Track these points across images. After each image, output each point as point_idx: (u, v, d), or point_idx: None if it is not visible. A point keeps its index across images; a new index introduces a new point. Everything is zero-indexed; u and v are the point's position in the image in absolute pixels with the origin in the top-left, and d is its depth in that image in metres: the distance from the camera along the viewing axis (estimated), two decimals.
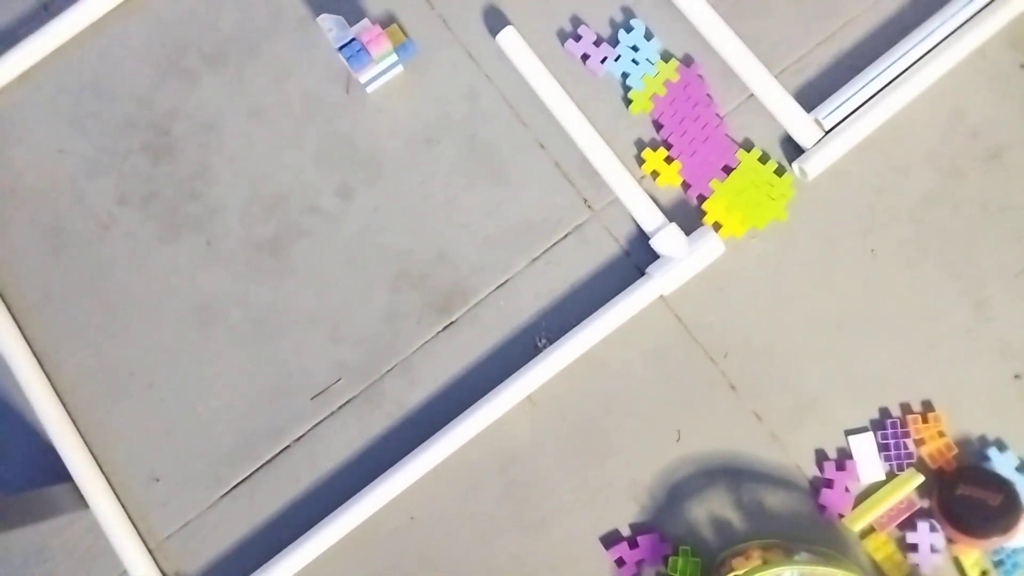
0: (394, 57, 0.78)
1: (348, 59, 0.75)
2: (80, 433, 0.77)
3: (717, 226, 0.75)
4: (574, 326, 0.74)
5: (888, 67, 0.75)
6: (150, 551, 0.75)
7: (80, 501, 0.75)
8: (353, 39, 0.76)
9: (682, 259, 0.73)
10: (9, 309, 0.79)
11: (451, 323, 0.77)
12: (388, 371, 0.77)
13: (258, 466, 0.76)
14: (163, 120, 0.83)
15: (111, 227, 0.82)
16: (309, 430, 0.76)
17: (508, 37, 0.79)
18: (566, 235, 0.77)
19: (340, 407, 0.76)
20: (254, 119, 0.82)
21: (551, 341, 0.75)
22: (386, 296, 0.78)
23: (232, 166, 0.81)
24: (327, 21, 0.78)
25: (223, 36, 0.84)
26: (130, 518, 0.75)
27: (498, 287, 0.77)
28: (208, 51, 0.84)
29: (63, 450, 0.76)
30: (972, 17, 0.76)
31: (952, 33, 0.76)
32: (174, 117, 0.83)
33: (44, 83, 0.85)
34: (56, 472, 0.76)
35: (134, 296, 0.80)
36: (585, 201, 0.78)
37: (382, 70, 0.79)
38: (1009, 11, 0.75)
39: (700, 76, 0.78)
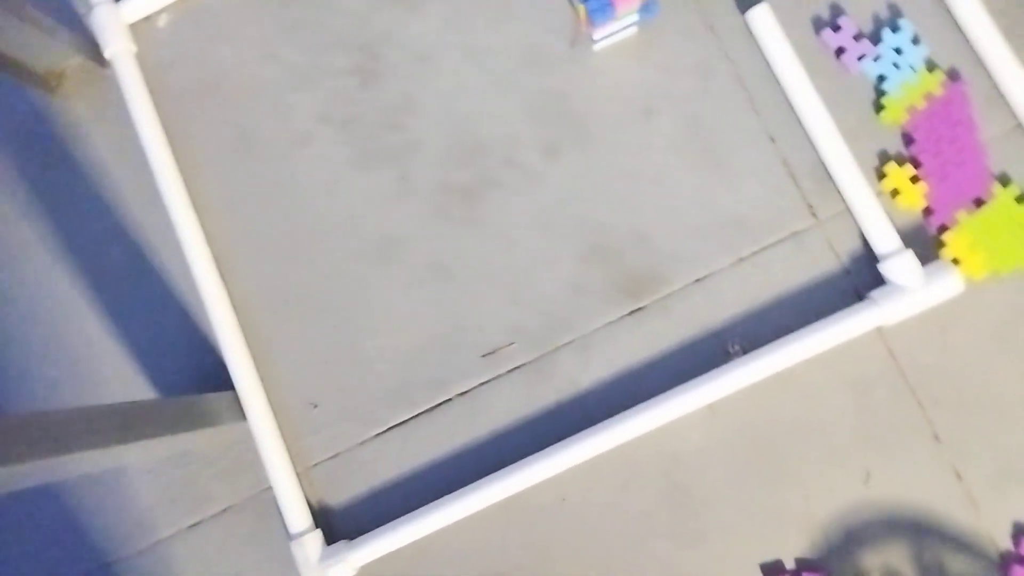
0: (634, 16, 0.73)
1: (592, 12, 0.70)
2: (247, 346, 0.77)
3: (955, 262, 0.68)
4: (773, 338, 0.69)
5: None
6: (297, 475, 0.75)
7: (238, 413, 0.75)
8: None
9: (914, 291, 0.66)
10: (196, 210, 0.79)
11: (639, 308, 0.73)
12: (564, 345, 0.73)
13: (416, 413, 0.74)
14: (376, 44, 0.80)
15: (307, 144, 0.80)
16: (473, 388, 0.74)
17: (760, 15, 0.73)
18: (782, 240, 0.72)
19: (509, 371, 0.74)
20: (469, 58, 0.78)
21: (745, 350, 0.70)
22: (574, 267, 0.74)
23: (439, 103, 0.78)
24: None
25: None
26: (283, 438, 0.75)
27: (696, 281, 0.72)
28: None
29: (231, 360, 0.75)
30: None
31: None
32: (388, 43, 0.80)
33: None
34: (215, 382, 0.77)
35: (318, 218, 0.79)
36: (810, 207, 0.72)
37: (618, 28, 0.74)
38: None
39: (966, 94, 0.70)
